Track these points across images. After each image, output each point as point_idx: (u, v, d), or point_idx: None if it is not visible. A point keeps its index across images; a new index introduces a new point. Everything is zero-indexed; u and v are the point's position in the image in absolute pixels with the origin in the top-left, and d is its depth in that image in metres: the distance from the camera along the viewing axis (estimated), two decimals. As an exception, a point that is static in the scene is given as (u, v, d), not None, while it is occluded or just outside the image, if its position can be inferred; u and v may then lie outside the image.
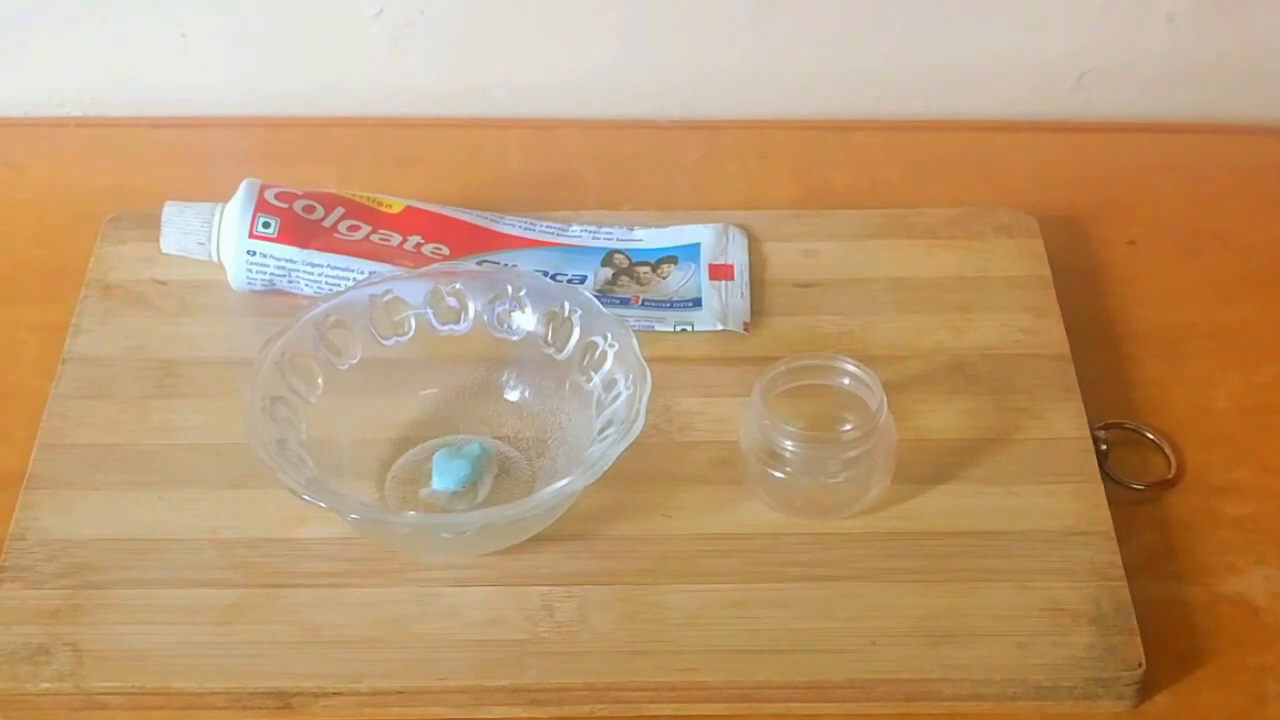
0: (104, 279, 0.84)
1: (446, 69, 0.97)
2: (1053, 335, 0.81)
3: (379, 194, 0.84)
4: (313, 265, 0.81)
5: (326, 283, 0.81)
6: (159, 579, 0.72)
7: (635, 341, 0.73)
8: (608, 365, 0.74)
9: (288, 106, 0.98)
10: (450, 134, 0.96)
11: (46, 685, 0.69)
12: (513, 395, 0.77)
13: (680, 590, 0.71)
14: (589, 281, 0.83)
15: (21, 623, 0.70)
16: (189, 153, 0.95)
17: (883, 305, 0.83)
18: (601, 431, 0.72)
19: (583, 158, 0.95)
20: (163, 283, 0.84)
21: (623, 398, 0.72)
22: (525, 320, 0.77)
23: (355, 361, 0.76)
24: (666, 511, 0.74)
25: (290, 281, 0.82)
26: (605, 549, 0.73)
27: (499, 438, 0.77)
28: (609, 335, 0.74)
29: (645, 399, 0.70)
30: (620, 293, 0.83)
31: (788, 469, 0.73)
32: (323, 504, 0.69)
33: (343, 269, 0.81)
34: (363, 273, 0.81)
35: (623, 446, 0.69)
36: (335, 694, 0.69)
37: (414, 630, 0.70)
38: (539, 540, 0.72)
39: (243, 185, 0.82)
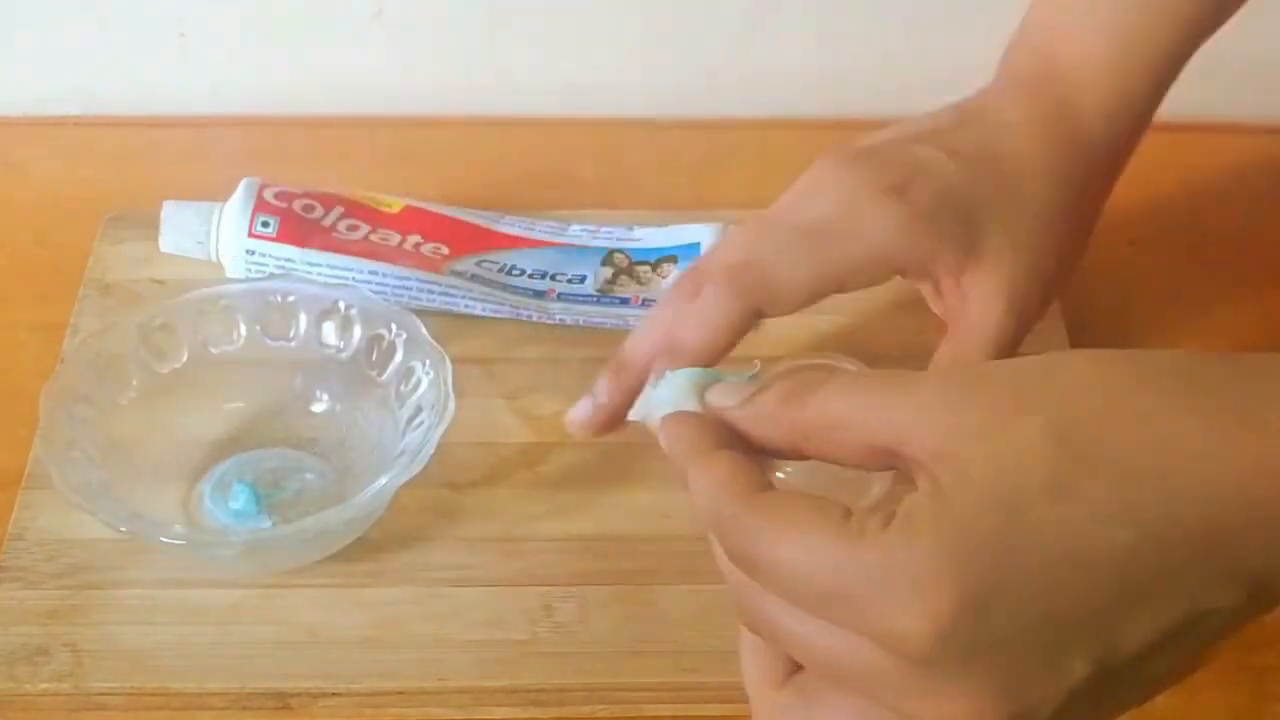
0: (102, 278, 0.84)
1: (446, 68, 0.97)
2: (1053, 335, 0.81)
3: (378, 193, 0.84)
4: (312, 264, 0.81)
5: (325, 282, 0.81)
6: (158, 579, 0.71)
7: (450, 369, 0.72)
8: (421, 389, 0.73)
9: (287, 106, 0.97)
10: (450, 134, 0.96)
11: (45, 686, 0.68)
12: (319, 407, 0.77)
13: (680, 590, 0.71)
14: (589, 281, 0.83)
15: (20, 623, 0.70)
16: (188, 152, 0.95)
17: (884, 305, 0.83)
18: (411, 420, 0.72)
19: (583, 158, 0.95)
20: (161, 282, 0.84)
21: (425, 383, 0.72)
22: (350, 338, 0.76)
23: (177, 366, 0.75)
24: (666, 511, 0.74)
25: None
26: (605, 549, 0.73)
27: (300, 448, 0.76)
28: (426, 362, 0.73)
29: (449, 380, 0.71)
30: (620, 292, 0.82)
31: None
32: (99, 513, 0.68)
33: (342, 268, 0.81)
34: (362, 272, 0.81)
35: (440, 430, 0.69)
36: (335, 694, 0.69)
37: (414, 630, 0.70)
38: (539, 540, 0.72)
39: (242, 184, 0.82)
